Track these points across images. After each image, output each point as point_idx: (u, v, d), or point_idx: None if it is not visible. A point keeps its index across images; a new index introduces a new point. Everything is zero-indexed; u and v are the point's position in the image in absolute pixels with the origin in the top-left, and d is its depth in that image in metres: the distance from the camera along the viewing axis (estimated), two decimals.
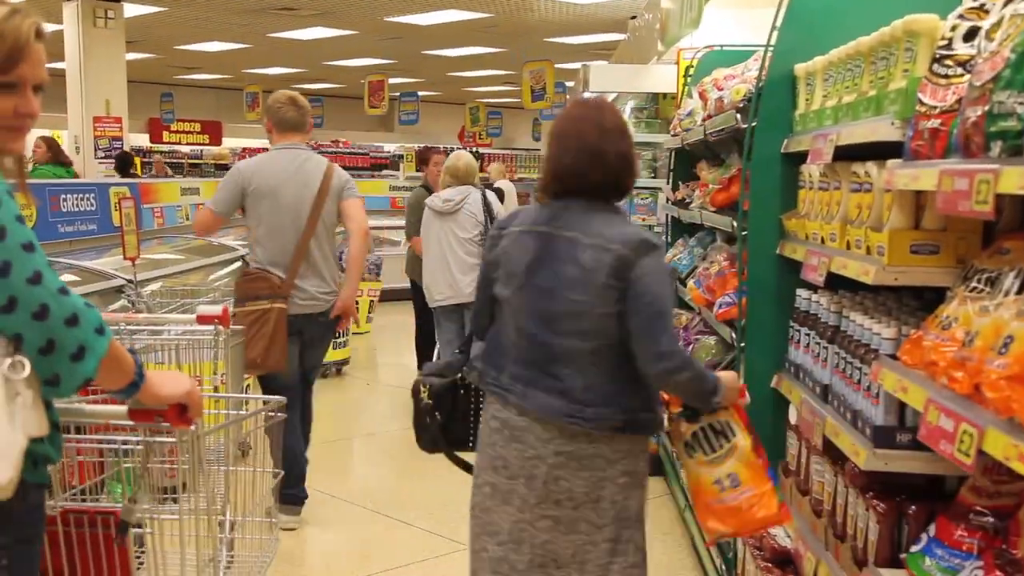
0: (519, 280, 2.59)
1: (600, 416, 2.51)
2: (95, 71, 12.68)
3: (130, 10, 13.37)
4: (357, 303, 6.33)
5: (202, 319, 3.10)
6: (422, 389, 2.90)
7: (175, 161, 20.68)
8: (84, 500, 2.39)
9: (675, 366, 2.48)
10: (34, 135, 11.79)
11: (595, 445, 2.53)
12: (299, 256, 4.41)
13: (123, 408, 1.98)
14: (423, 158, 8.07)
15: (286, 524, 4.38)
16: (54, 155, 8.44)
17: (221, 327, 3.13)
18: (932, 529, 2.06)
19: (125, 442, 2.06)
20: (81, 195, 6.89)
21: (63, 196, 6.77)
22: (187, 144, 19.93)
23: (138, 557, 2.32)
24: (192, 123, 19.08)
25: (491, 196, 6.33)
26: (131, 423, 1.98)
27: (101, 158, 12.14)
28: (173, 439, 2.10)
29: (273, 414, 2.75)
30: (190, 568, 2.28)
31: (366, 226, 4.62)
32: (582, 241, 2.52)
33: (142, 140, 19.69)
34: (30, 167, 9.10)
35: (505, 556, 2.61)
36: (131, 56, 15.11)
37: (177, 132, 19.87)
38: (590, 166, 2.55)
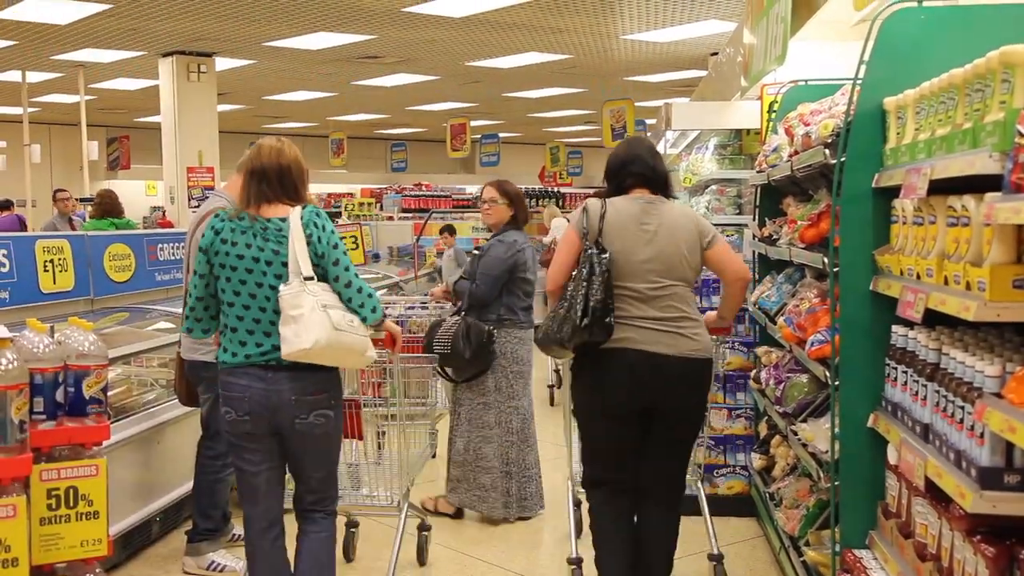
0: None
1: None
2: (188, 123, 13.14)
3: (221, 64, 13.84)
4: None
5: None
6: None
7: None
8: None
9: None
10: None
11: None
12: None
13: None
14: None
15: None
16: (100, 209, 8.80)
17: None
18: None
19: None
20: (177, 244, 7.04)
21: (160, 246, 6.92)
22: None
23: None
24: None
25: None
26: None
27: (195, 207, 12.56)
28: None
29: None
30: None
31: None
32: None
33: None
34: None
35: None
36: (222, 108, 15.62)
37: None
38: None
